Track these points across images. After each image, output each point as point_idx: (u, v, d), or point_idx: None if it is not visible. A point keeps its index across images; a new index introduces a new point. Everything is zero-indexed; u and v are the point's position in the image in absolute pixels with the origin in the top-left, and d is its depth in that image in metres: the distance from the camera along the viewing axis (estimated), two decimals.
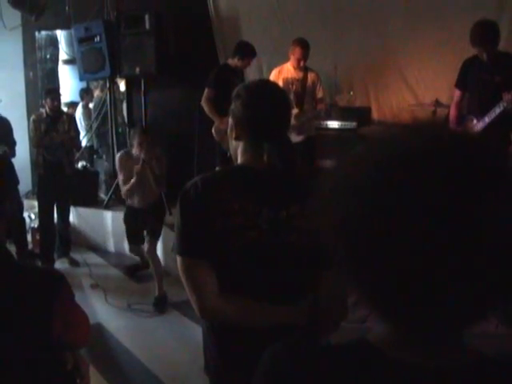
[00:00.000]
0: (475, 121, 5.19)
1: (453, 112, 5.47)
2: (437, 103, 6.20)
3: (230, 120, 2.11)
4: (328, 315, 2.03)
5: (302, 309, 2.02)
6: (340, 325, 2.14)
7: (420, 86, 7.15)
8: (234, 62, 6.62)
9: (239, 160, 2.10)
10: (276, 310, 2.01)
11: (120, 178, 5.94)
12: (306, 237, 1.96)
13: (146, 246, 5.97)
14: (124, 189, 5.88)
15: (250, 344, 1.89)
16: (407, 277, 0.80)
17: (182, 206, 1.98)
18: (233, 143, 2.13)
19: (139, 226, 6.07)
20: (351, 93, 6.55)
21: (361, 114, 7.13)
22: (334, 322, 2.10)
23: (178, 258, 1.99)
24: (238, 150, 2.10)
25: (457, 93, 5.47)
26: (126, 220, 6.24)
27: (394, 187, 0.80)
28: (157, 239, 6.00)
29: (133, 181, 5.74)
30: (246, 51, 6.64)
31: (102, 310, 5.66)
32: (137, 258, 6.63)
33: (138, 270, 6.64)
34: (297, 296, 2.04)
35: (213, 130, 6.51)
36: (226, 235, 1.94)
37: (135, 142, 5.83)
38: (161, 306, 5.68)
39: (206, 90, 6.47)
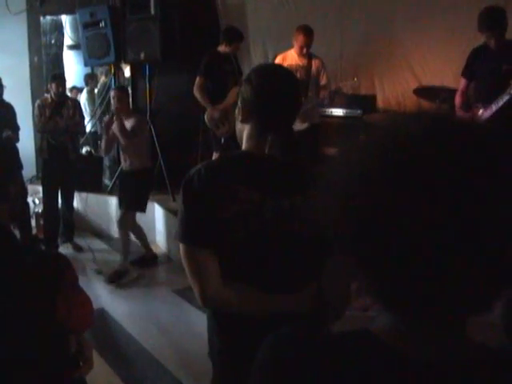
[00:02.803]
0: (482, 109, 5.18)
1: (458, 101, 5.46)
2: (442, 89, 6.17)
3: (239, 102, 2.08)
4: (331, 303, 2.04)
5: (304, 297, 2.03)
6: (343, 313, 2.14)
7: (426, 74, 7.11)
8: (222, 48, 6.60)
9: (244, 145, 2.08)
10: (279, 298, 2.01)
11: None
12: (309, 227, 1.94)
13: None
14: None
15: (253, 331, 1.89)
16: (411, 264, 0.80)
17: (185, 192, 1.97)
18: (239, 125, 2.11)
19: (121, 192, 6.43)
20: (355, 79, 6.51)
21: (366, 102, 7.11)
22: (336, 309, 2.11)
23: (181, 245, 1.98)
24: (243, 133, 2.09)
25: (462, 81, 5.46)
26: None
27: (397, 175, 0.80)
28: (128, 210, 6.14)
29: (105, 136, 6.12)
30: (232, 36, 6.61)
31: (106, 296, 5.68)
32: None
33: (145, 261, 6.55)
34: (300, 284, 2.03)
35: (205, 118, 6.50)
36: (230, 223, 1.93)
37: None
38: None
39: (197, 79, 6.45)
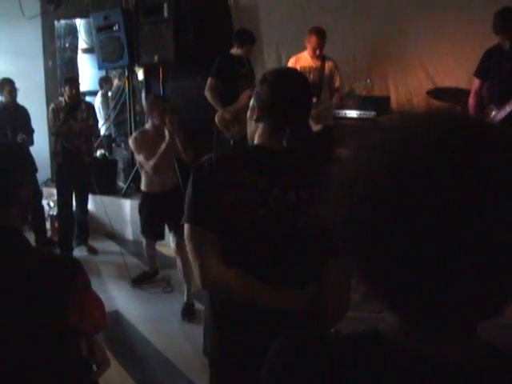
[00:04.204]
0: (495, 110, 5.14)
1: (472, 101, 5.43)
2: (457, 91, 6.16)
3: (253, 102, 2.13)
4: (332, 303, 2.04)
5: (304, 294, 2.03)
6: (345, 314, 2.14)
7: (440, 74, 7.08)
8: (234, 50, 6.61)
9: (256, 141, 2.12)
10: (278, 291, 2.02)
11: (141, 158, 5.35)
12: (314, 222, 1.97)
13: (172, 241, 5.47)
14: (151, 163, 5.25)
15: (250, 328, 1.99)
16: (419, 267, 0.79)
17: (194, 177, 2.03)
18: (252, 126, 2.14)
19: (160, 215, 5.57)
20: (368, 80, 6.50)
21: (380, 103, 7.08)
22: (337, 310, 2.11)
23: (186, 226, 2.03)
24: (255, 134, 2.12)
25: (476, 82, 5.43)
26: (143, 209, 5.68)
27: (406, 177, 0.79)
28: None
29: (163, 147, 5.21)
30: (244, 39, 6.62)
31: (120, 298, 5.69)
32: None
33: (146, 279, 6.11)
34: (301, 281, 2.04)
35: (216, 119, 6.50)
36: (236, 209, 1.97)
37: (156, 111, 5.34)
38: (189, 314, 5.21)
39: (209, 80, 6.45)
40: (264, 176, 2.00)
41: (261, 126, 2.09)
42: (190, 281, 5.19)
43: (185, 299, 5.33)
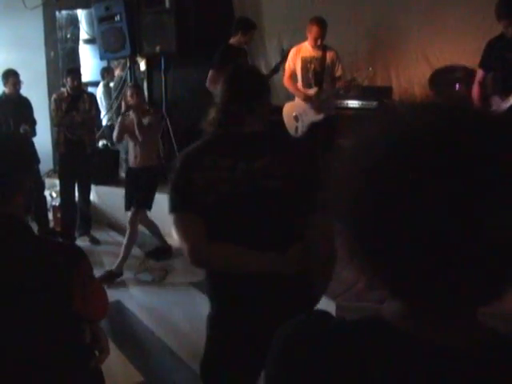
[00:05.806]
0: (499, 100, 5.13)
1: (476, 92, 5.41)
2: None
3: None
4: (318, 261, 2.21)
5: (290, 257, 2.20)
6: (333, 268, 2.31)
7: (442, 65, 7.06)
8: (236, 39, 6.58)
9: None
10: (264, 255, 2.19)
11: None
12: (281, 182, 2.19)
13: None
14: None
15: (244, 296, 2.23)
16: (420, 253, 0.80)
17: (171, 174, 2.32)
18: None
19: (132, 189, 6.16)
20: (370, 68, 6.46)
21: (382, 94, 7.06)
22: (325, 268, 2.28)
23: (172, 216, 2.27)
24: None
25: (480, 73, 5.40)
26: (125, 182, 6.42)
27: (404, 169, 0.80)
28: (141, 208, 6.03)
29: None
30: (247, 25, 6.66)
31: (122, 288, 5.71)
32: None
33: (161, 254, 6.46)
34: (285, 244, 2.21)
35: None
36: (203, 190, 2.19)
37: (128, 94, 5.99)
38: (107, 280, 5.63)
39: (211, 72, 6.41)
40: (227, 155, 2.25)
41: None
42: (127, 255, 5.91)
43: (113, 267, 5.83)
